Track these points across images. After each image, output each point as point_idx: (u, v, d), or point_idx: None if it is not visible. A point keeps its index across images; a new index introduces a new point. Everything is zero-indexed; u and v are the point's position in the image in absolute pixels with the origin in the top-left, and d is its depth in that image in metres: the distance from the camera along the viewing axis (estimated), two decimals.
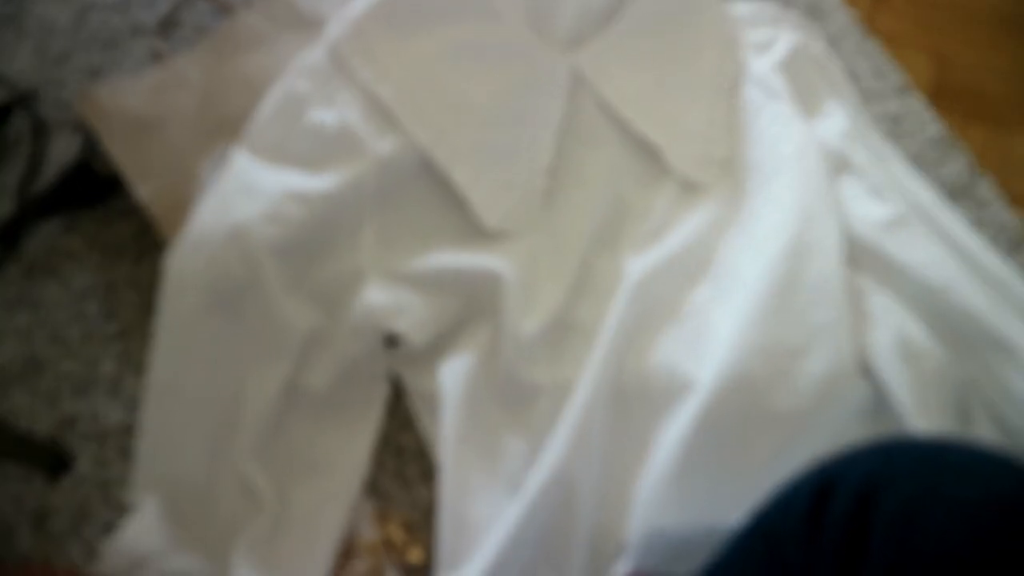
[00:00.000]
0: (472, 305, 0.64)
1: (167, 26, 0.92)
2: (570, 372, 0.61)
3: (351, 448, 0.63)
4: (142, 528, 0.56)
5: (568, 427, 0.57)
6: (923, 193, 0.69)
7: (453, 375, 0.60)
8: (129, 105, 0.80)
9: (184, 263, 0.61)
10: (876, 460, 0.39)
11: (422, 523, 0.61)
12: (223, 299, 0.61)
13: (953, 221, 0.66)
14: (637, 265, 0.64)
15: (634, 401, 0.61)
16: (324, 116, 0.65)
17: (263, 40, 0.86)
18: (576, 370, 0.60)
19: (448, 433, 0.58)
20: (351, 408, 0.64)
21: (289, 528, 0.59)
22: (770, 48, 0.75)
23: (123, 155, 0.76)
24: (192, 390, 0.61)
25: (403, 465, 0.64)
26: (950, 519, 0.34)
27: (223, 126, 0.78)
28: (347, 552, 0.61)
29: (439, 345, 0.63)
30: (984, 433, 0.58)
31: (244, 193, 0.63)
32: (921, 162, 0.74)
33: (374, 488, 0.63)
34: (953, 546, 0.33)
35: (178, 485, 0.59)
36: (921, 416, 0.57)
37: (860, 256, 0.64)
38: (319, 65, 0.67)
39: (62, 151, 0.83)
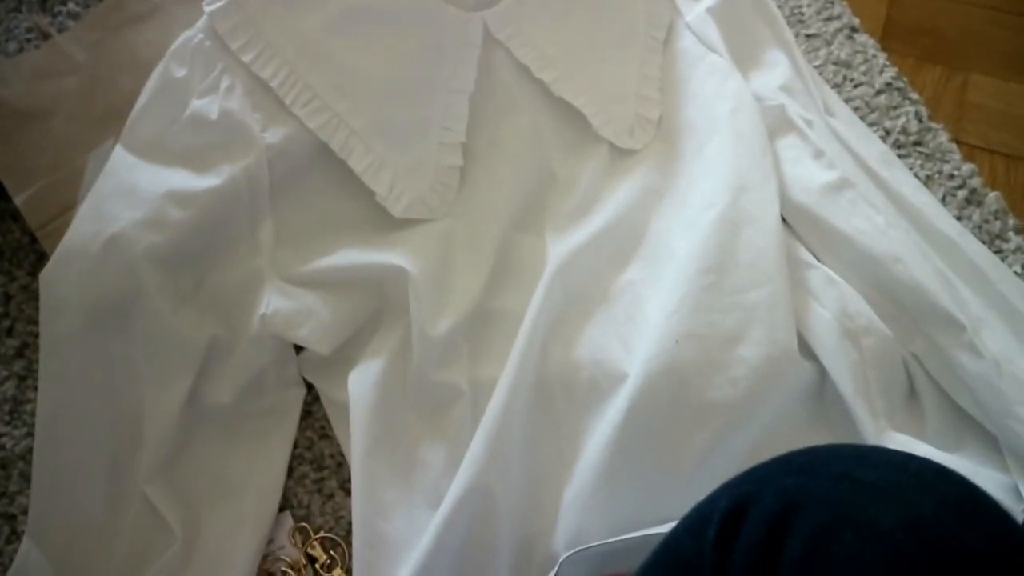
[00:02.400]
0: (382, 305, 0.59)
1: None
2: (492, 370, 0.56)
3: (265, 465, 0.59)
4: None
5: (486, 431, 0.53)
6: (871, 148, 0.63)
7: (362, 383, 0.56)
8: (6, 96, 0.73)
9: (59, 280, 0.55)
10: (791, 480, 0.36)
11: (345, 539, 0.58)
12: (105, 316, 0.56)
13: (902, 180, 0.61)
14: (561, 246, 0.59)
15: (560, 397, 0.57)
16: (206, 105, 0.58)
17: (154, 12, 0.78)
18: (499, 368, 0.56)
19: (357, 447, 0.54)
20: (262, 421, 0.60)
21: (201, 556, 0.56)
22: None
23: (1, 155, 0.69)
24: (84, 416, 0.56)
25: (323, 477, 0.60)
26: (864, 547, 0.32)
27: (111, 115, 0.71)
28: (266, 571, 0.58)
29: (349, 348, 0.58)
30: (931, 413, 0.54)
31: (122, 197, 0.57)
32: (871, 111, 0.68)
33: (293, 502, 0.59)
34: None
35: (75, 521, 0.55)
36: (862, 397, 0.53)
37: (800, 225, 0.59)
38: (198, 45, 0.59)
39: None
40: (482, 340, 0.58)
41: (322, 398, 0.60)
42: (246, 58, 0.59)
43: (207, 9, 0.60)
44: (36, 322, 0.67)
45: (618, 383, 0.55)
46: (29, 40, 0.82)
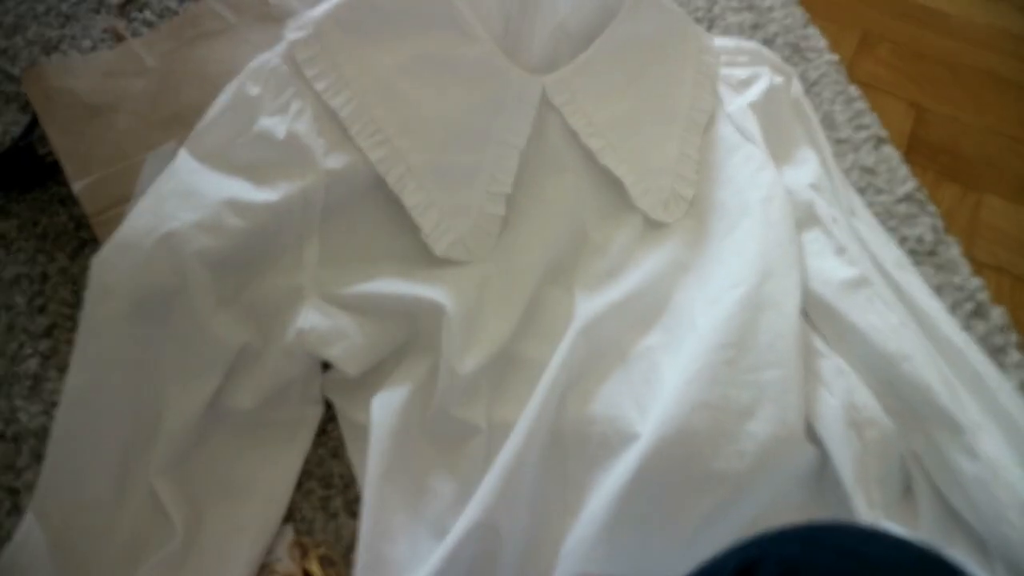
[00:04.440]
0: (412, 336, 0.61)
1: (129, 5, 0.88)
2: (510, 413, 0.58)
3: (274, 475, 0.60)
4: (23, 559, 0.53)
5: (500, 471, 0.54)
6: (888, 252, 0.67)
7: (385, 408, 0.57)
8: (77, 88, 0.76)
9: (111, 267, 0.57)
10: (798, 546, 0.38)
11: (343, 558, 0.58)
12: (150, 308, 0.58)
13: (915, 285, 0.65)
14: (589, 305, 0.62)
15: (572, 448, 0.59)
16: (274, 124, 0.61)
17: (226, 30, 0.82)
18: (517, 411, 0.58)
19: (373, 469, 0.55)
20: (278, 432, 0.61)
21: (200, 555, 0.56)
22: (748, 86, 0.73)
23: (63, 142, 0.72)
24: (109, 399, 0.57)
25: (329, 495, 0.61)
26: None
27: (173, 120, 0.74)
28: None
29: (375, 374, 0.60)
30: (925, 509, 0.56)
31: (182, 198, 0.59)
32: (890, 218, 0.72)
33: (297, 516, 0.60)
34: None
35: (81, 499, 0.56)
36: (861, 486, 0.55)
37: (817, 315, 0.62)
38: (275, 69, 0.63)
39: (6, 128, 0.79)
40: (504, 383, 0.61)
41: (340, 418, 0.62)
42: (319, 87, 0.62)
43: (288, 37, 0.64)
44: (69, 304, 0.69)
45: (629, 442, 0.57)
46: (103, 41, 0.86)
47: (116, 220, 0.62)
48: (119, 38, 0.86)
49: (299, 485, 0.61)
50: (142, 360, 0.58)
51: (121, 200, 0.67)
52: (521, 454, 0.55)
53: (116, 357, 0.58)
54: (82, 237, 0.72)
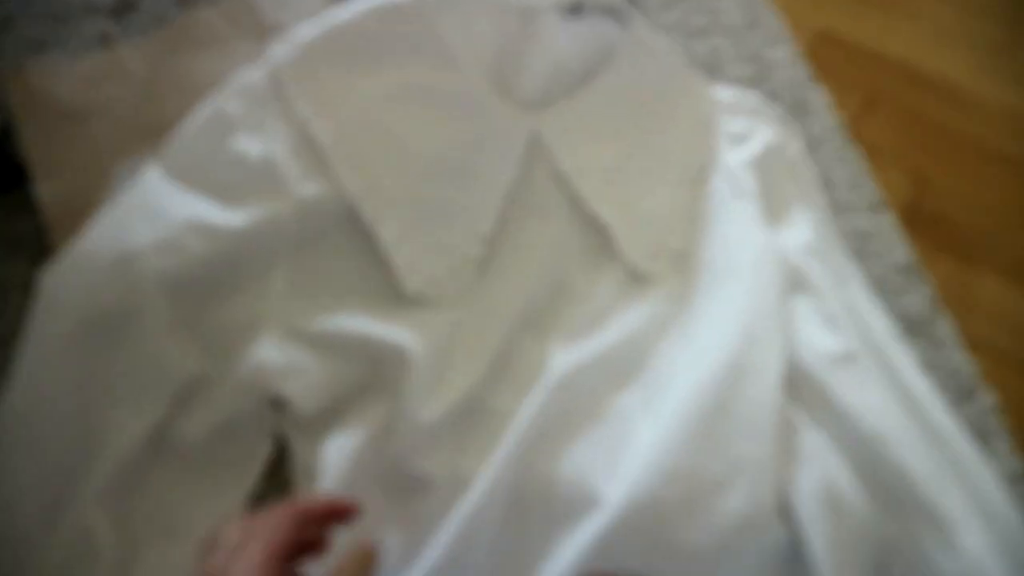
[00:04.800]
0: (374, 378, 0.58)
1: (123, 9, 0.86)
2: (472, 465, 0.55)
3: (217, 514, 0.57)
4: None
5: (455, 526, 0.51)
6: (879, 324, 0.64)
7: (337, 452, 0.54)
8: (58, 91, 0.74)
9: (61, 283, 0.55)
10: None
11: None
12: (99, 329, 0.55)
13: (904, 361, 0.62)
14: (564, 357, 0.59)
15: (535, 509, 0.55)
16: (250, 145, 0.59)
17: (218, 42, 0.81)
18: (479, 464, 0.55)
19: None
20: (225, 468, 0.58)
21: None
22: (745, 141, 0.71)
23: (35, 144, 0.69)
24: (48, 422, 0.54)
25: None
26: None
27: (154, 131, 0.71)
28: None
29: (331, 415, 0.57)
30: None
31: (144, 215, 0.57)
32: (883, 287, 0.70)
33: None
34: None
35: (9, 531, 0.52)
36: (835, 573, 0.52)
37: (800, 388, 0.59)
38: (255, 87, 0.61)
39: None
40: (469, 435, 0.57)
41: (293, 457, 0.58)
42: (300, 110, 0.60)
43: (273, 55, 0.62)
44: (26, 314, 0.66)
45: (593, 506, 0.54)
46: (93, 44, 0.83)
47: (77, 230, 0.59)
48: (108, 43, 0.84)
49: None
50: (86, 383, 0.55)
51: (87, 210, 0.64)
52: (482, 508, 0.52)
53: (59, 378, 0.55)
54: (44, 246, 0.69)
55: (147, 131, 0.72)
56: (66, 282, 0.55)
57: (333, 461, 0.54)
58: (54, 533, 0.53)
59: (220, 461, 0.58)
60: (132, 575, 0.54)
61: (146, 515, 0.56)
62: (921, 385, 0.60)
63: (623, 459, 0.56)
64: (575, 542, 0.53)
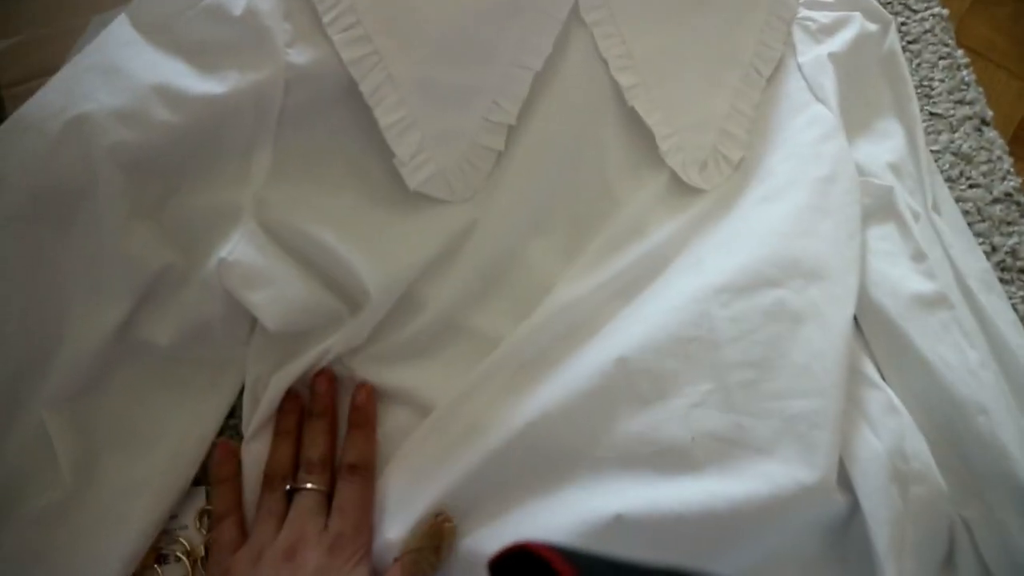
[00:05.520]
0: (347, 309, 0.50)
1: None
2: (434, 390, 0.49)
3: (189, 423, 0.50)
4: None
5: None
6: (973, 263, 0.54)
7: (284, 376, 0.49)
8: None
9: (6, 151, 0.46)
10: None
11: None
12: (51, 206, 0.47)
13: (1001, 311, 0.52)
14: (578, 281, 0.50)
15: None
16: None
17: None
18: (443, 389, 0.48)
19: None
20: (198, 371, 0.51)
21: (86, 510, 0.47)
22: (832, 34, 0.59)
23: None
24: None
25: None
26: None
27: None
28: (157, 550, 0.49)
29: (291, 343, 0.50)
30: None
31: (104, 75, 0.47)
32: (981, 220, 0.58)
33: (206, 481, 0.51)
34: None
35: None
36: (894, 553, 0.44)
37: (873, 333, 0.50)
38: None
39: None
40: (435, 356, 0.50)
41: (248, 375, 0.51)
42: None
43: None
44: None
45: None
46: None
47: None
48: None
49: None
50: (39, 269, 0.48)
51: (49, 70, 0.55)
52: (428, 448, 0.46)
53: (6, 263, 0.47)
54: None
55: None
56: (11, 150, 0.46)
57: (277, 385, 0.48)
58: (9, 436, 0.48)
59: (191, 365, 0.51)
60: (90, 488, 0.48)
61: (107, 422, 0.50)
62: (1018, 340, 0.50)
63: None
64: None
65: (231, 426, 0.52)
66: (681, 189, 0.55)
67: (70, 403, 0.48)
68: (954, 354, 0.47)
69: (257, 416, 0.49)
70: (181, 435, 0.50)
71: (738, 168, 0.56)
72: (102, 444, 0.49)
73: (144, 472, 0.49)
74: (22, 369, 0.48)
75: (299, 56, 0.48)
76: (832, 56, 0.57)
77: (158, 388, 0.51)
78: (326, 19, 0.48)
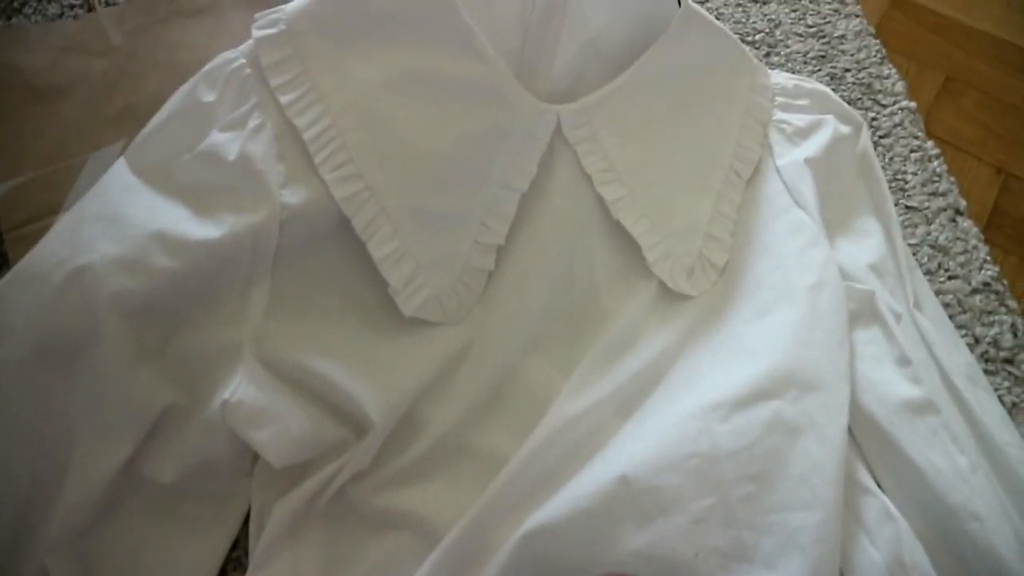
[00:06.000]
0: (352, 439, 0.51)
1: None
2: (442, 513, 0.49)
3: (194, 560, 0.51)
4: None
5: None
6: (958, 358, 0.55)
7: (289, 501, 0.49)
8: (26, 64, 0.66)
9: (11, 302, 0.47)
10: None
11: None
12: (54, 353, 0.47)
13: (986, 406, 0.53)
14: (580, 394, 0.51)
15: None
16: (227, 141, 0.50)
17: (208, 10, 0.72)
18: (450, 512, 0.48)
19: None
20: (202, 506, 0.51)
21: None
22: (806, 137, 0.61)
23: None
24: (2, 462, 0.48)
25: None
26: None
27: (127, 114, 0.64)
28: None
29: (298, 472, 0.51)
30: None
31: (106, 223, 0.49)
32: (962, 311, 0.60)
33: None
34: None
35: None
36: None
37: (865, 440, 0.51)
38: (235, 71, 0.52)
39: None
40: (439, 478, 0.51)
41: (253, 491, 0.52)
42: (284, 99, 0.51)
43: (255, 34, 0.53)
44: None
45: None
46: (72, 7, 0.75)
47: (36, 237, 0.52)
48: (90, 7, 0.75)
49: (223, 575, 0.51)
50: (43, 413, 0.48)
51: (49, 212, 0.57)
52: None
53: (11, 409, 0.48)
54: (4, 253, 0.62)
55: (121, 114, 0.64)
56: (16, 300, 0.47)
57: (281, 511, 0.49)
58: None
59: (196, 500, 0.51)
60: None
61: (113, 559, 0.50)
62: (1007, 438, 0.51)
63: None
64: None
65: (233, 558, 0.52)
66: (670, 296, 0.57)
67: (72, 544, 0.48)
68: (944, 460, 0.48)
69: (260, 545, 0.50)
70: (188, 572, 0.50)
71: (723, 272, 0.58)
72: None
73: None
74: (26, 511, 0.48)
75: (293, 196, 0.50)
76: (809, 161, 0.59)
77: (163, 525, 0.51)
78: (318, 159, 0.50)
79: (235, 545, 0.52)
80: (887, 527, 0.47)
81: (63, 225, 0.50)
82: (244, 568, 0.52)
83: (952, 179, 0.65)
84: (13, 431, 0.48)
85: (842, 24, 0.73)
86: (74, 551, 0.48)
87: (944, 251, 0.62)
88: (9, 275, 0.48)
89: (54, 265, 0.48)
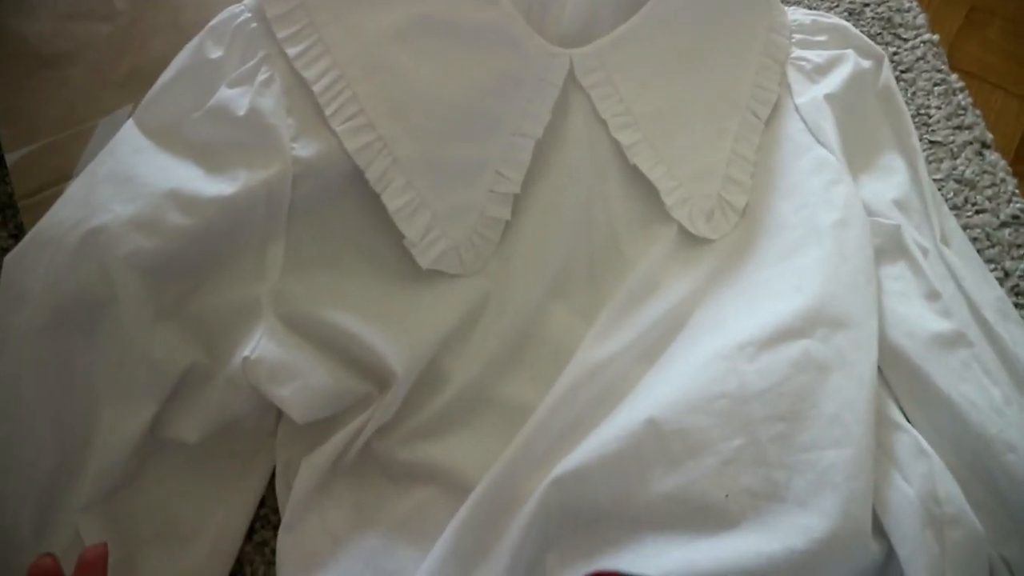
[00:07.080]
0: (374, 391, 0.51)
1: None
2: (471, 465, 0.49)
3: (223, 517, 0.51)
4: None
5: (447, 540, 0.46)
6: (987, 293, 0.54)
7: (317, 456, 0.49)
8: (32, 32, 0.65)
9: (27, 267, 0.47)
10: None
11: None
12: (72, 318, 0.47)
13: (1018, 339, 0.51)
14: (603, 343, 0.51)
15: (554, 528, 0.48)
16: (235, 96, 0.49)
17: None
18: (480, 464, 0.48)
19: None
20: (229, 464, 0.52)
21: None
22: (826, 74, 0.60)
23: (5, 100, 0.61)
24: (28, 422, 0.48)
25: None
26: None
27: (134, 77, 0.63)
28: None
29: (323, 427, 0.51)
30: None
31: (118, 184, 0.48)
32: (990, 246, 0.59)
33: (247, 571, 0.51)
34: None
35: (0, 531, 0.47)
36: None
37: (895, 376, 0.50)
38: (241, 25, 0.51)
39: None
40: (465, 430, 0.51)
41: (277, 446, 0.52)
42: (292, 51, 0.50)
43: None
44: None
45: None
46: None
47: (49, 204, 0.51)
48: None
49: (251, 532, 0.52)
50: (67, 377, 0.48)
51: (62, 178, 0.57)
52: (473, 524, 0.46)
53: (35, 373, 0.48)
54: (18, 223, 0.62)
55: (128, 77, 0.63)
56: (32, 265, 0.47)
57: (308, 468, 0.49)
58: (46, 539, 0.48)
59: (222, 458, 0.52)
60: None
61: (142, 521, 0.50)
62: None
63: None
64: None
65: (260, 515, 0.52)
66: (691, 241, 0.56)
67: (102, 505, 0.49)
68: (978, 393, 0.47)
69: (291, 503, 0.50)
70: (217, 529, 0.51)
71: (744, 215, 0.57)
72: (137, 544, 0.50)
73: (184, 562, 0.49)
74: (54, 474, 0.48)
75: (304, 150, 0.49)
76: (829, 97, 0.58)
77: (190, 484, 0.51)
78: (328, 111, 0.50)
79: (261, 503, 0.53)
80: (920, 462, 0.47)
81: (76, 188, 0.50)
82: (271, 524, 0.52)
83: (978, 112, 0.64)
84: (38, 397, 0.48)
85: None
86: (104, 513, 0.49)
87: (971, 185, 0.60)
88: (24, 240, 0.48)
89: (69, 228, 0.47)
